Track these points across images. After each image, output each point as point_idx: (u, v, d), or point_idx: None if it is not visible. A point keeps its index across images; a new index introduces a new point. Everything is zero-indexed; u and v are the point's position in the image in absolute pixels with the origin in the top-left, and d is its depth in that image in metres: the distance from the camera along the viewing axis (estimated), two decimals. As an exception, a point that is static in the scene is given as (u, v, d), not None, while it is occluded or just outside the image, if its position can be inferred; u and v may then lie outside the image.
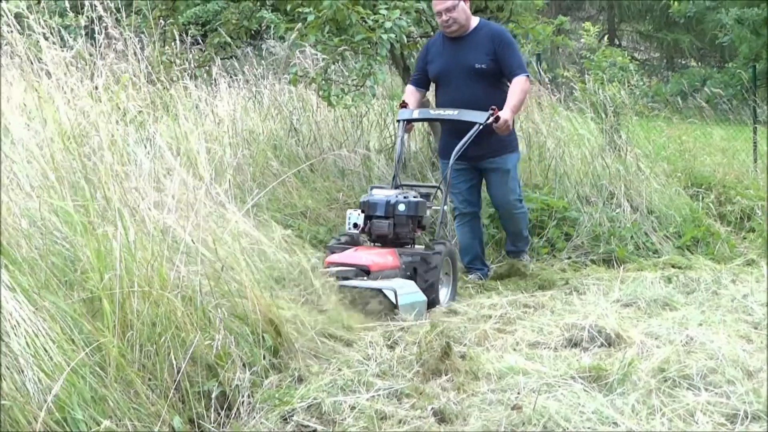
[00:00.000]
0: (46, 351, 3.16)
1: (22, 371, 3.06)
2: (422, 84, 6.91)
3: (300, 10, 7.57)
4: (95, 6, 6.16)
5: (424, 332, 4.67)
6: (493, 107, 6.16)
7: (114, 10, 6.61)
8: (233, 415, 3.64)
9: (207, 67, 8.80)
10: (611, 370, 4.21)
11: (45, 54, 4.92)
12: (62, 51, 5.15)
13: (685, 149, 9.62)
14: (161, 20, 8.54)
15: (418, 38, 8.23)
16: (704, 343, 4.64)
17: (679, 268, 6.90)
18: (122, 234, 3.71)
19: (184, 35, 8.52)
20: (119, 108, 5.56)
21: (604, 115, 8.79)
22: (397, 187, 6.24)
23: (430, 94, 7.32)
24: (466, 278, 6.65)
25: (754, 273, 6.66)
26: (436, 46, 6.79)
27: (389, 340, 4.81)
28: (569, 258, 7.17)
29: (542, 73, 9.74)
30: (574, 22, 21.80)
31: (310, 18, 7.46)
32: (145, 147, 5.48)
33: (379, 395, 3.93)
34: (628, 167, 8.16)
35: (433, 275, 5.57)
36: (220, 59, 9.11)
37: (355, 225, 5.77)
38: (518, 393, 3.98)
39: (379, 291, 5.07)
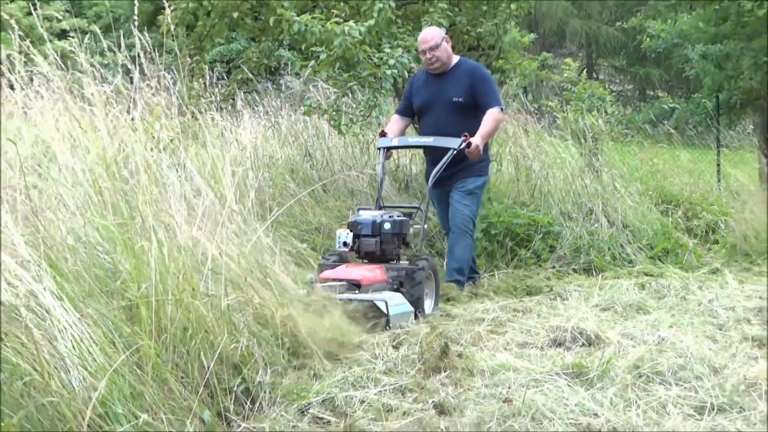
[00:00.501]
0: (90, 353, 3.16)
1: (69, 371, 3.06)
2: (407, 113, 6.86)
3: (313, 49, 7.60)
4: (132, 46, 6.19)
5: (425, 334, 4.67)
6: (465, 134, 6.10)
7: (148, 50, 6.64)
8: (256, 408, 3.64)
9: (231, 100, 8.83)
10: (591, 367, 4.22)
11: (87, 89, 4.95)
12: (103, 86, 5.17)
13: (656, 170, 9.62)
14: (190, 58, 8.56)
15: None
16: (674, 343, 4.65)
17: (651, 276, 6.90)
18: (157, 248, 3.71)
19: (211, 72, 8.55)
20: (153, 137, 5.57)
21: (583, 141, 8.81)
22: (380, 208, 6.15)
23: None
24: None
25: (719, 280, 6.66)
26: (421, 80, 6.78)
27: (394, 341, 4.81)
28: (553, 267, 7.16)
29: (528, 103, 9.76)
30: (556, 58, 21.85)
31: (323, 56, 7.49)
32: (177, 171, 5.49)
33: (385, 390, 3.93)
34: (605, 186, 8.17)
35: (419, 290, 5.47)
36: (243, 93, 9.15)
37: (345, 243, 5.66)
38: (509, 388, 3.98)
39: (372, 303, 4.97)
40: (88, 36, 5.81)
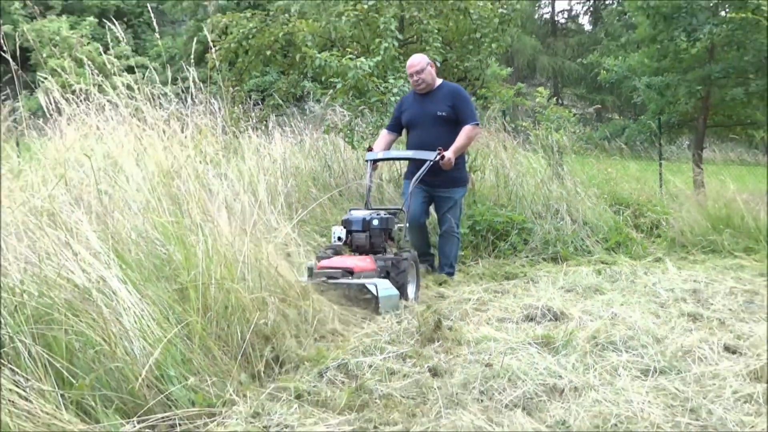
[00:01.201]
0: (149, 327, 3.16)
1: (131, 341, 3.06)
2: (395, 129, 6.62)
3: (331, 79, 7.61)
4: (185, 79, 6.18)
5: (421, 311, 4.66)
6: (440, 148, 5.92)
7: (197, 82, 6.63)
8: (283, 371, 3.62)
9: (265, 122, 8.83)
10: (557, 338, 4.20)
11: (147, 114, 4.95)
12: (160, 111, 5.17)
13: (610, 178, 9.59)
14: (231, 88, 8.56)
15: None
16: (624, 318, 4.64)
17: (606, 263, 6.87)
18: (203, 242, 3.71)
19: (248, 99, 8.55)
20: (201, 151, 5.57)
21: (551, 154, 8.77)
22: (368, 209, 5.89)
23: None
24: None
25: (661, 267, 6.64)
26: (409, 99, 6.54)
27: (397, 317, 4.80)
28: (527, 257, 7.14)
29: (506, 124, 9.72)
30: (529, 87, 21.78)
31: (339, 86, 7.51)
32: (220, 179, 5.48)
33: (389, 356, 3.92)
34: (568, 191, 8.14)
35: (403, 277, 5.25)
36: (275, 116, 9.14)
37: (339, 238, 5.50)
38: (490, 354, 3.97)
39: (363, 286, 4.80)
40: (149, 71, 5.82)
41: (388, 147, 6.59)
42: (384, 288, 4.87)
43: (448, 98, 6.27)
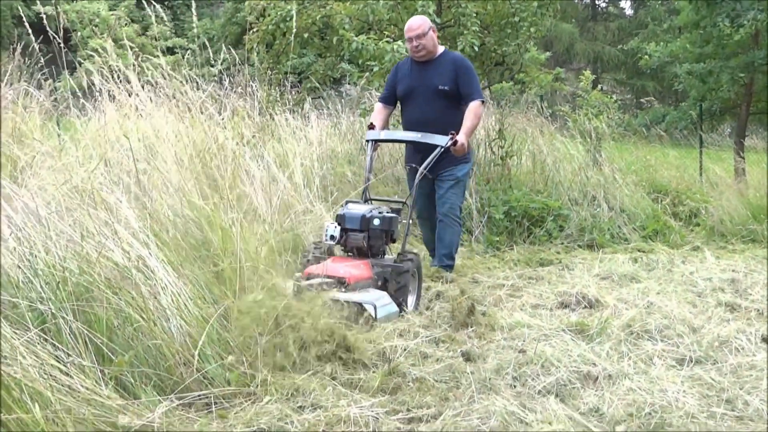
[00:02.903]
0: (186, 306, 3.20)
1: (169, 320, 3.11)
2: (390, 101, 5.81)
3: (368, 63, 7.59)
4: (224, 60, 6.23)
5: (455, 296, 4.68)
6: (452, 132, 5.21)
7: (236, 64, 6.69)
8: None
9: (301, 105, 8.85)
10: (591, 325, 4.20)
11: (188, 95, 5.00)
12: (199, 93, 5.22)
13: (649, 165, 9.49)
14: (269, 71, 8.59)
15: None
16: (660, 307, 4.61)
17: (643, 251, 6.82)
18: (239, 225, 3.74)
19: (285, 81, 8.58)
20: (239, 133, 5.62)
21: (588, 140, 8.70)
22: (366, 201, 5.20)
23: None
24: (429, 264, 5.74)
25: (699, 256, 6.57)
26: (405, 68, 5.76)
27: (429, 302, 4.82)
28: (562, 244, 7.11)
29: (543, 109, 9.66)
30: (567, 72, 21.58)
31: (375, 69, 7.48)
32: (257, 161, 5.53)
33: (423, 341, 3.94)
34: (606, 178, 8.08)
35: (403, 291, 4.52)
36: (311, 99, 9.16)
37: (332, 237, 4.64)
38: (523, 341, 3.98)
39: (361, 305, 4.14)
40: (188, 52, 5.87)
41: (386, 123, 5.90)
42: (382, 305, 4.26)
43: (451, 70, 5.54)
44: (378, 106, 5.80)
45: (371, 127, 5.59)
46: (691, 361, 3.74)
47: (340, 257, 4.69)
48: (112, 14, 19.40)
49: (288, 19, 8.19)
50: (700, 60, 11.83)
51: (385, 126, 5.83)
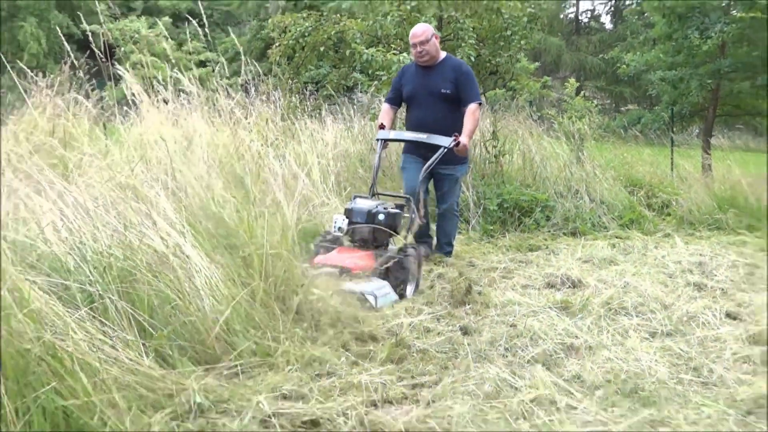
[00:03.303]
0: (217, 287, 3.22)
1: (202, 299, 3.12)
2: (396, 102, 5.66)
3: (377, 72, 7.58)
4: (249, 72, 6.24)
5: (454, 277, 4.69)
6: (456, 134, 5.12)
7: (260, 74, 6.70)
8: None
9: (318, 110, 8.85)
10: (574, 303, 4.21)
11: (219, 103, 5.02)
12: (227, 100, 5.24)
13: (625, 162, 9.43)
14: (289, 80, 8.60)
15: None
16: (636, 287, 4.61)
17: (620, 238, 6.80)
18: (264, 217, 3.75)
19: (304, 90, 8.58)
20: (263, 136, 5.63)
21: (572, 140, 8.67)
22: (373, 195, 5.11)
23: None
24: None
25: (670, 242, 6.55)
26: (410, 72, 5.63)
27: (431, 282, 4.83)
28: (549, 232, 7.09)
29: (532, 113, 9.62)
30: (554, 80, 21.46)
31: (384, 78, 7.47)
32: (279, 160, 5.54)
33: (426, 317, 3.96)
34: (587, 173, 8.04)
35: (404, 274, 4.43)
36: (327, 105, 9.16)
37: (340, 228, 4.59)
38: (514, 316, 3.99)
39: (362, 294, 4.03)
40: (218, 65, 5.88)
41: (393, 122, 5.78)
42: (383, 295, 4.18)
43: (453, 74, 5.42)
44: (385, 107, 5.67)
45: (382, 127, 5.48)
46: (663, 334, 3.74)
47: (346, 248, 4.60)
48: (150, 32, 19.44)
49: (306, 34, 8.19)
50: (672, 68, 11.77)
51: (393, 126, 5.76)
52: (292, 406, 2.69)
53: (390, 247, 4.79)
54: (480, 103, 5.45)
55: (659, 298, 4.36)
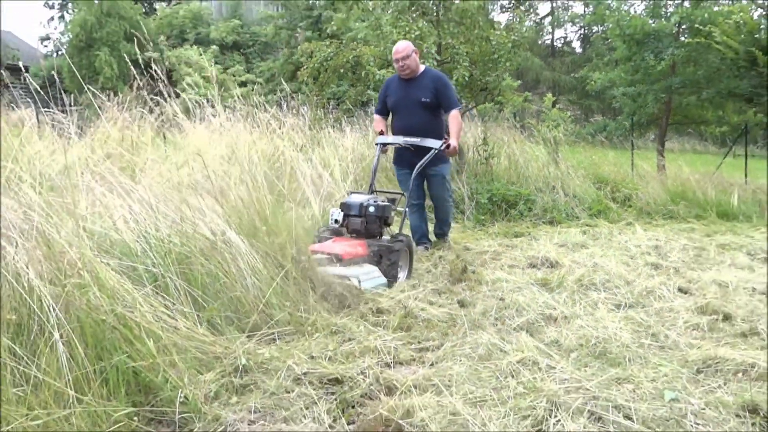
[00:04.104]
0: (257, 269, 3.21)
1: (245, 278, 3.12)
2: (384, 112, 5.35)
3: (387, 90, 7.52)
4: (282, 90, 6.21)
5: (452, 259, 4.66)
6: (446, 137, 4.96)
7: (291, 92, 6.67)
8: (351, 306, 3.63)
9: (339, 121, 8.81)
10: (552, 280, 4.18)
11: (257, 116, 5.00)
12: (265, 114, 5.23)
13: (594, 163, 9.33)
14: (315, 97, 8.57)
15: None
16: (603, 266, 4.57)
17: (590, 226, 6.75)
18: (294, 210, 3.73)
19: (327, 105, 8.53)
20: (294, 142, 5.61)
21: (549, 145, 8.60)
22: (371, 192, 4.84)
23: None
24: (418, 250, 5.24)
25: (631, 229, 6.49)
26: (394, 84, 5.30)
27: (435, 264, 4.81)
28: (531, 221, 7.05)
29: (516, 123, 9.55)
30: (534, 95, 21.30)
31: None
32: (308, 163, 5.52)
33: (429, 292, 3.94)
34: (562, 172, 7.99)
35: (394, 267, 4.18)
36: (346, 117, 9.12)
37: (336, 221, 4.36)
38: (503, 291, 3.96)
39: (346, 278, 3.76)
40: (256, 85, 5.86)
41: (386, 130, 5.44)
42: (368, 278, 3.93)
43: (431, 85, 5.12)
44: (377, 117, 5.37)
45: (381, 133, 5.24)
46: (626, 306, 3.70)
47: (342, 237, 4.36)
48: (201, 58, 19.42)
49: (329, 59, 8.14)
50: (632, 85, 11.64)
51: (386, 132, 5.52)
52: (319, 366, 2.68)
53: (384, 236, 4.53)
54: (459, 108, 5.20)
55: (623, 275, 4.32)
